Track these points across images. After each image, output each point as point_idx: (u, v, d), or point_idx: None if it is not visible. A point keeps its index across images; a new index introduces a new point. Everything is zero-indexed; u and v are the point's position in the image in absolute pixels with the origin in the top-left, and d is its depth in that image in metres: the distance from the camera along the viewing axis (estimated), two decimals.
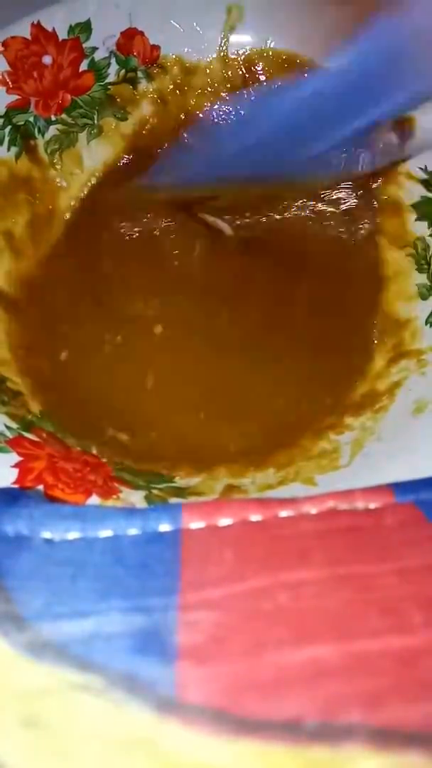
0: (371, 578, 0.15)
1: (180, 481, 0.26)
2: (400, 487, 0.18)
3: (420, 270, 0.29)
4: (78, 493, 0.23)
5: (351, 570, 0.15)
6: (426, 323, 0.28)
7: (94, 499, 0.23)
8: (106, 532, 0.17)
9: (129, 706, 0.13)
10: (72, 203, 0.32)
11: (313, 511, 0.17)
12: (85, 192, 0.32)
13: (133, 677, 0.13)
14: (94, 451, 0.26)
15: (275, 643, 0.14)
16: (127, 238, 0.31)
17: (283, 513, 0.17)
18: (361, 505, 0.17)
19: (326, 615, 0.14)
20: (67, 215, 0.32)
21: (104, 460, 0.25)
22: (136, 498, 0.24)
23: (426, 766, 0.12)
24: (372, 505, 0.17)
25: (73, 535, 0.17)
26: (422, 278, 0.29)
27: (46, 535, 0.16)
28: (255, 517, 0.17)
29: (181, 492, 0.25)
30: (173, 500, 0.24)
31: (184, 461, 0.27)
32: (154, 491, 0.24)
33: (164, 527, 0.17)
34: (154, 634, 0.14)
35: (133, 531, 0.17)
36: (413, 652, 0.14)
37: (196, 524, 0.17)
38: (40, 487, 0.23)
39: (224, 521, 0.17)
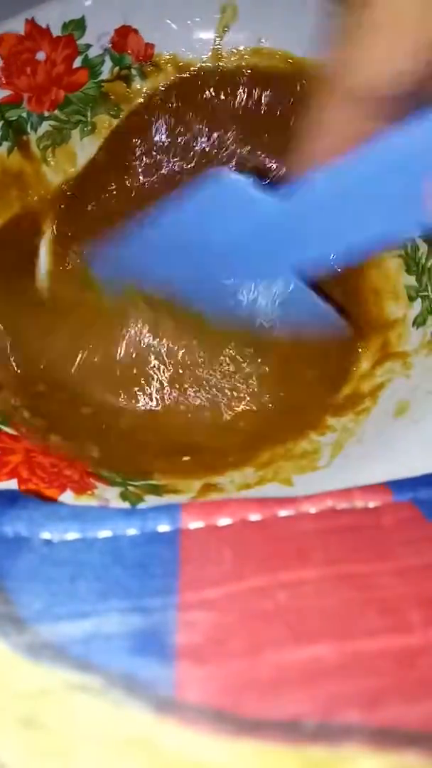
0: (370, 577, 0.15)
1: (157, 479, 0.26)
2: (398, 486, 0.18)
3: (409, 272, 0.29)
4: (53, 487, 0.23)
5: (350, 569, 0.15)
6: (413, 325, 0.28)
7: (69, 494, 0.23)
8: (105, 533, 0.16)
9: (128, 706, 0.13)
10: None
11: (312, 510, 0.17)
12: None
13: (132, 677, 0.13)
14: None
15: (274, 642, 0.14)
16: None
17: (282, 512, 0.17)
18: (359, 504, 0.17)
19: (325, 614, 0.14)
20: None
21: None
22: (111, 494, 0.23)
23: (425, 766, 0.12)
24: (370, 504, 0.17)
25: (72, 535, 0.16)
26: (410, 279, 0.29)
27: (45, 536, 0.16)
28: (254, 517, 0.17)
29: (157, 489, 0.25)
30: (149, 498, 0.24)
31: (163, 458, 0.27)
32: (130, 488, 0.24)
33: (163, 527, 0.17)
34: (153, 634, 0.14)
35: (131, 531, 0.17)
36: (412, 651, 0.14)
37: (194, 524, 0.17)
38: (14, 480, 0.23)
39: (223, 521, 0.17)
